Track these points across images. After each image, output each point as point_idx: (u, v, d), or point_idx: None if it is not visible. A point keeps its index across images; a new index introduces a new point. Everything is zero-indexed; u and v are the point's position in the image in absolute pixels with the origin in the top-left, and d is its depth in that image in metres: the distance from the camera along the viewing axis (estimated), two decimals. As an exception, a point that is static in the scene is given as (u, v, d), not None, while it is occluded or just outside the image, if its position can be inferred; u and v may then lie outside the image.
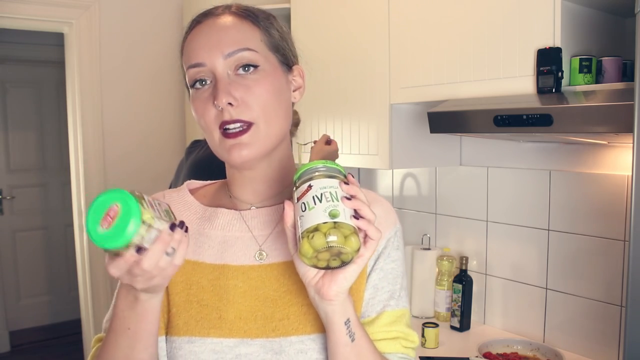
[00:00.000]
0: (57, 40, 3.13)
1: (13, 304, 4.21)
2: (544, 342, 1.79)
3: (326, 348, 0.76)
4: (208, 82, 0.77)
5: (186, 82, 0.81)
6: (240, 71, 0.76)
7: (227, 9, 0.80)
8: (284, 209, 0.70)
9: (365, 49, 1.90)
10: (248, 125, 0.75)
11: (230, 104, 0.74)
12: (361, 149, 1.97)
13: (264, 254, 0.81)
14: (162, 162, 3.01)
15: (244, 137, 0.75)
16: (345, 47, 1.99)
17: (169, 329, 0.80)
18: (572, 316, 1.73)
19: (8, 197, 4.22)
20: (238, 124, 0.74)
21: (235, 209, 0.84)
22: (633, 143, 1.00)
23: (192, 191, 0.90)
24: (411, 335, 0.82)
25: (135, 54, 2.92)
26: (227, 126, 0.75)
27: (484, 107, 1.43)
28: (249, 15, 0.80)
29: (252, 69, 0.76)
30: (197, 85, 0.77)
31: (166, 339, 0.80)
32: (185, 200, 0.87)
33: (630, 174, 1.10)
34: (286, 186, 0.84)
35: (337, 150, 2.07)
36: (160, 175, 2.99)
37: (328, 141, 2.05)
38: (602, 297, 1.65)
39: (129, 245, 0.61)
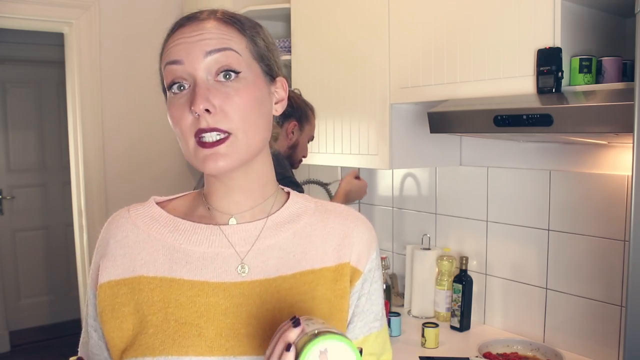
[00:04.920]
0: (57, 40, 3.13)
1: (13, 304, 4.21)
2: (544, 342, 1.79)
3: None
4: (186, 87, 0.73)
5: (163, 86, 0.77)
6: (221, 77, 0.72)
7: (212, 13, 0.77)
8: (264, 226, 0.76)
9: (365, 49, 1.90)
10: (226, 135, 0.72)
11: (207, 110, 0.70)
12: (361, 149, 1.97)
13: (246, 267, 0.78)
14: (162, 161, 3.01)
15: (221, 148, 0.71)
16: (345, 47, 1.99)
17: (140, 350, 0.75)
18: (572, 316, 1.73)
19: (8, 197, 4.22)
20: (214, 133, 0.71)
21: (214, 221, 0.81)
22: (633, 143, 1.00)
23: (161, 204, 0.85)
24: (389, 352, 0.88)
25: (135, 54, 2.92)
26: (203, 134, 0.71)
27: (484, 107, 1.43)
28: (235, 22, 0.76)
29: (233, 75, 0.73)
30: (175, 89, 0.73)
31: None
32: (152, 213, 0.82)
33: (630, 174, 1.10)
34: (266, 197, 0.82)
35: (365, 186, 2.11)
36: (160, 175, 2.99)
37: (357, 177, 2.08)
38: (602, 297, 1.65)
39: None
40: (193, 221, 0.81)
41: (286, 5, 2.27)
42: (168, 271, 0.78)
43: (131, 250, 0.79)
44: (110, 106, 2.88)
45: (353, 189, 2.08)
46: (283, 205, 0.85)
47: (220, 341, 0.75)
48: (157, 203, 0.85)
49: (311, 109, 1.94)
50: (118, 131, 2.91)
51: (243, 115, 0.72)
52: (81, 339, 0.85)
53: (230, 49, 0.73)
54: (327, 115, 2.10)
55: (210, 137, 0.71)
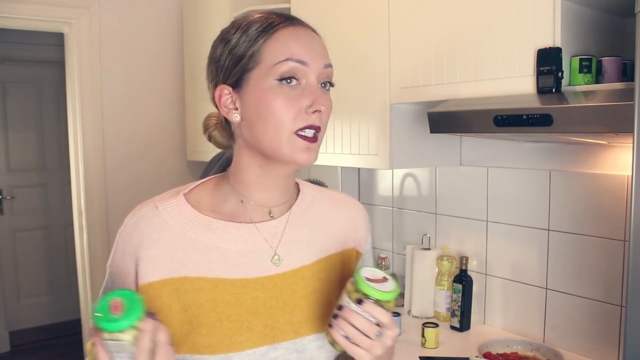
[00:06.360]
0: (57, 40, 3.13)
1: (13, 304, 4.21)
2: (544, 342, 1.79)
3: None
4: (295, 83, 0.79)
5: (240, 72, 0.80)
6: (321, 86, 0.83)
7: (304, 22, 0.87)
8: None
9: (365, 49, 1.90)
10: (317, 134, 0.81)
11: (319, 111, 0.79)
12: (361, 149, 1.97)
13: (281, 258, 0.85)
14: (162, 161, 3.01)
15: (315, 145, 0.81)
16: (345, 47, 1.99)
17: (197, 349, 0.80)
18: (572, 316, 1.73)
19: (8, 197, 4.22)
20: (313, 131, 0.80)
21: (247, 215, 0.85)
22: (633, 143, 1.00)
23: (186, 196, 0.87)
24: None
25: (135, 53, 2.92)
26: (306, 130, 0.79)
27: (484, 107, 1.43)
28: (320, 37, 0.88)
29: (328, 85, 0.85)
30: (284, 81, 0.79)
31: None
32: (183, 211, 0.84)
33: (630, 174, 1.10)
34: (288, 198, 0.89)
35: None
36: (160, 174, 2.99)
37: None
38: (602, 297, 1.65)
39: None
40: (225, 218, 0.84)
41: (286, 5, 2.27)
42: (209, 271, 0.81)
43: (168, 251, 0.81)
44: (110, 106, 2.88)
45: None
46: (297, 196, 0.92)
47: (266, 331, 0.82)
48: (184, 195, 0.87)
49: None
50: (118, 131, 2.91)
51: (328, 121, 0.84)
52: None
53: (331, 66, 0.86)
54: (327, 115, 2.10)
55: (309, 132, 0.79)
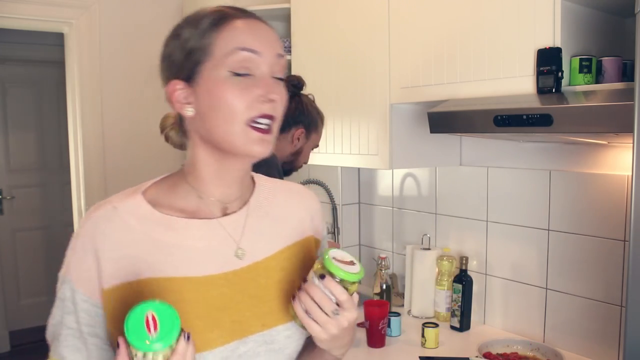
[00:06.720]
0: (57, 40, 3.13)
1: (13, 304, 4.21)
2: (544, 342, 1.79)
3: (305, 330, 0.86)
4: (247, 74, 0.78)
5: (191, 65, 0.79)
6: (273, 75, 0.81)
7: (256, 15, 0.83)
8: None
9: (365, 49, 1.90)
10: (271, 125, 0.80)
11: (273, 100, 0.78)
12: (361, 149, 1.96)
13: (244, 251, 0.85)
14: (163, 161, 3.00)
15: (268, 136, 0.80)
16: (345, 47, 1.99)
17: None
18: (572, 316, 1.73)
19: (8, 197, 4.22)
20: (266, 121, 0.79)
21: (208, 211, 0.85)
22: (633, 143, 1.00)
23: (143, 195, 0.85)
24: None
25: (135, 54, 2.91)
26: (259, 120, 0.78)
27: (484, 107, 1.43)
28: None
29: (279, 75, 0.82)
30: (236, 71, 0.78)
31: None
32: (143, 211, 0.82)
33: (630, 174, 1.10)
34: (243, 191, 0.89)
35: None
36: (160, 174, 2.98)
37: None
38: (602, 297, 1.65)
39: None
40: (186, 215, 0.83)
41: (286, 5, 2.27)
42: (174, 271, 0.80)
43: (132, 252, 0.79)
44: (110, 106, 2.87)
45: None
46: (254, 189, 0.92)
47: (234, 327, 0.82)
48: (142, 193, 0.85)
49: (322, 118, 1.91)
50: (118, 131, 2.90)
51: (282, 113, 0.82)
52: (64, 347, 0.82)
53: (284, 55, 0.83)
54: (327, 116, 2.10)
55: (264, 122, 0.78)
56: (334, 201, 2.44)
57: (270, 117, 0.79)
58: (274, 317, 0.85)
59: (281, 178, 1.73)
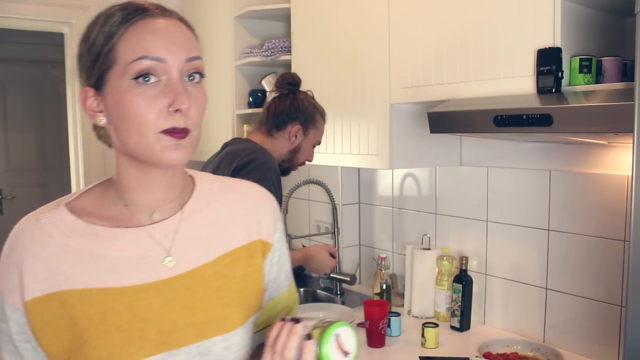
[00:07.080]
0: (57, 40, 3.13)
1: (13, 304, 4.21)
2: (544, 342, 1.79)
3: (245, 340, 0.84)
4: (154, 80, 0.73)
5: (98, 72, 0.75)
6: (186, 78, 0.76)
7: (170, 12, 0.78)
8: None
9: (365, 49, 1.90)
10: (187, 130, 0.75)
11: (180, 110, 0.73)
12: (361, 149, 1.97)
13: (173, 259, 0.81)
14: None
15: (183, 141, 0.75)
16: (345, 47, 1.99)
17: None
18: (572, 316, 1.73)
19: (8, 197, 4.22)
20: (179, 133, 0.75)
21: (134, 220, 0.81)
22: (633, 143, 1.00)
23: (69, 207, 0.81)
24: (296, 303, 1.00)
25: (135, 54, 2.91)
26: (170, 131, 0.74)
27: (484, 107, 1.43)
28: (191, 27, 0.80)
29: (198, 77, 0.77)
30: (141, 80, 0.73)
31: None
32: (66, 222, 0.79)
33: (630, 174, 1.10)
34: (182, 188, 0.85)
35: (330, 267, 2.08)
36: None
37: (333, 255, 2.09)
38: (602, 297, 1.65)
39: None
40: (112, 224, 0.80)
41: (286, 5, 2.27)
42: (97, 282, 0.77)
43: (52, 264, 0.76)
44: (110, 106, 2.87)
45: (317, 260, 2.05)
46: (192, 191, 0.87)
47: (162, 338, 0.78)
48: (66, 204, 0.82)
49: (321, 113, 1.90)
50: (118, 131, 2.90)
51: (200, 115, 0.77)
52: (3, 351, 0.80)
53: (200, 57, 0.77)
54: (327, 115, 2.10)
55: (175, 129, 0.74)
56: (334, 201, 2.44)
57: (181, 131, 0.74)
58: (211, 328, 0.81)
59: (278, 179, 1.73)
